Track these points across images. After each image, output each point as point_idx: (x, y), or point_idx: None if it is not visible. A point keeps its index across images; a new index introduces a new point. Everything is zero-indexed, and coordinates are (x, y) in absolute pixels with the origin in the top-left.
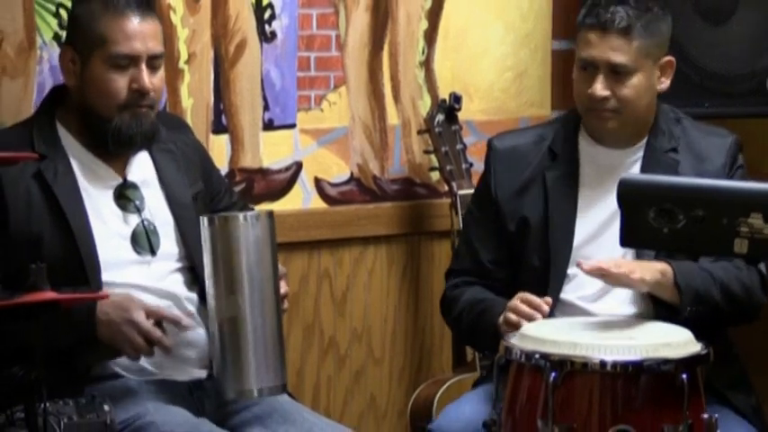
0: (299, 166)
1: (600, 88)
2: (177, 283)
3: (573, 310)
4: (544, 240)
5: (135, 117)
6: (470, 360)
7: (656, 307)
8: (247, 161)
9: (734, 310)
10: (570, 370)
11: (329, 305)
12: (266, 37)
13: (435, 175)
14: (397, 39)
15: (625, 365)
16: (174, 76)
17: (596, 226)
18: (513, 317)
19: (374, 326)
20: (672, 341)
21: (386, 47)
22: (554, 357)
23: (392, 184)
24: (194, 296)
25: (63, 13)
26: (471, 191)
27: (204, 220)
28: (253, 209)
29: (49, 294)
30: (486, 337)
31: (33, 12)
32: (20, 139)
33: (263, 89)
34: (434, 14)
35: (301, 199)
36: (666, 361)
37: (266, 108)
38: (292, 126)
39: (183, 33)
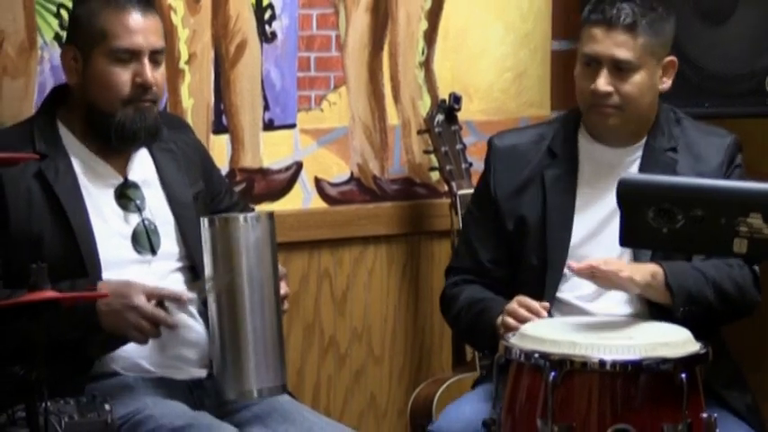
0: (299, 166)
1: (603, 83)
2: (177, 283)
3: (570, 309)
4: (542, 240)
5: (138, 112)
6: (470, 359)
7: (651, 307)
8: (248, 161)
9: (727, 308)
10: (570, 369)
11: (329, 305)
12: (266, 37)
13: (435, 175)
14: (396, 39)
15: (624, 365)
16: (174, 77)
17: (595, 224)
18: (511, 321)
19: (374, 325)
20: (671, 341)
21: (386, 47)
22: (553, 357)
23: (392, 184)
24: (194, 296)
25: (64, 13)
26: (471, 191)
27: (204, 222)
28: (253, 209)
29: (50, 294)
30: (485, 337)
31: (34, 12)
32: (21, 139)
33: (263, 89)
34: (434, 15)
35: (301, 199)
36: (665, 360)
37: (266, 108)
38: (292, 126)
39: (183, 34)
